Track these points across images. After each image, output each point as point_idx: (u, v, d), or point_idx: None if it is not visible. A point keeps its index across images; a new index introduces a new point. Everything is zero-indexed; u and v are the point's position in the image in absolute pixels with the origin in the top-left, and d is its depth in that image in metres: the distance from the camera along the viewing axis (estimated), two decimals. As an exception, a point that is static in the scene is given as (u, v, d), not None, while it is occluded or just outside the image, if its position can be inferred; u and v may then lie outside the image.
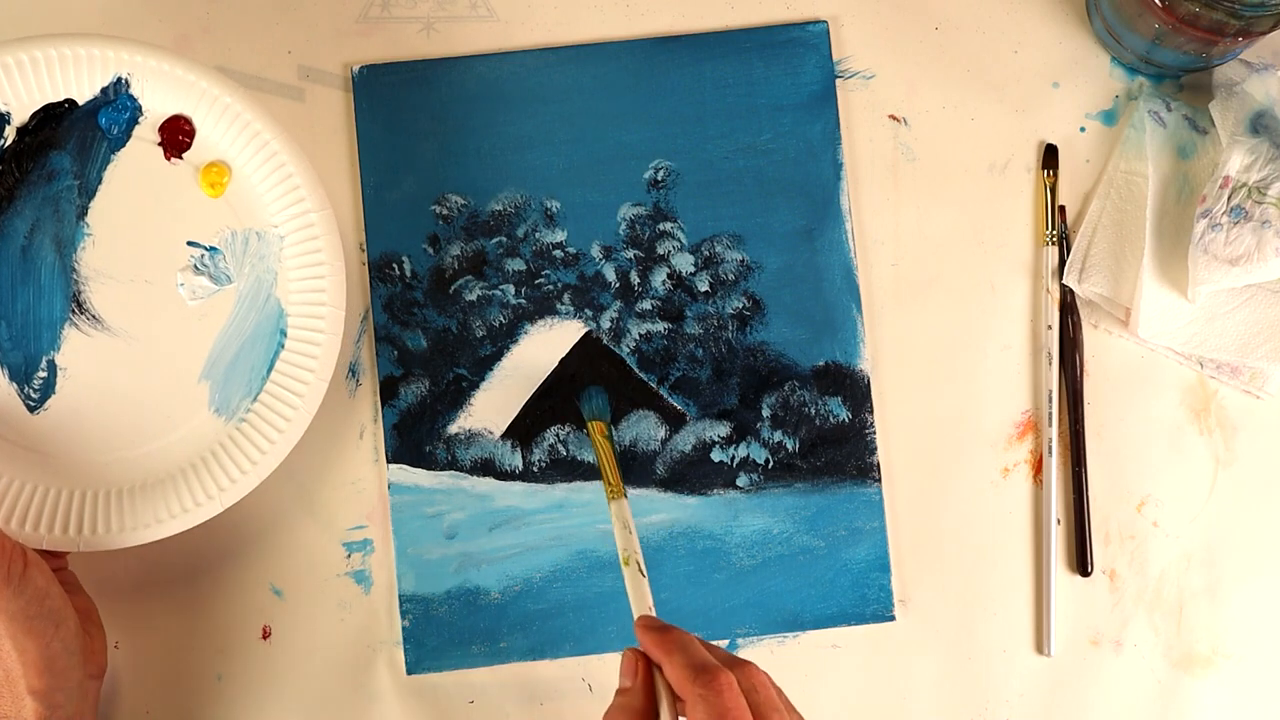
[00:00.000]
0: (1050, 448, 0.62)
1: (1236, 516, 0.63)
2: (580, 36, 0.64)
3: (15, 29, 0.62)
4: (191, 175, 0.60)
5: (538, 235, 0.63)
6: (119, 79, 0.59)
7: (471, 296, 0.63)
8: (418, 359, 0.62)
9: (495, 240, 0.63)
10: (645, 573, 0.53)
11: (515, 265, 0.63)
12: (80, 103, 0.59)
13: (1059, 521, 0.63)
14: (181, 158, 0.60)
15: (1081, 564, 0.62)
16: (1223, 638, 0.62)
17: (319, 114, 0.63)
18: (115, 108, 0.59)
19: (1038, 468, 0.63)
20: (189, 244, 0.60)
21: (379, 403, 0.62)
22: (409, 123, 0.63)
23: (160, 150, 0.60)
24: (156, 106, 0.59)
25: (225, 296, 0.60)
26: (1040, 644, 0.62)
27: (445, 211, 0.63)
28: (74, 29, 0.62)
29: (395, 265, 0.63)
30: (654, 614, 0.52)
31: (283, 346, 0.59)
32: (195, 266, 0.60)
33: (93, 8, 0.63)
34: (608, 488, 0.57)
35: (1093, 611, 0.62)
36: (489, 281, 0.63)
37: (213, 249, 0.60)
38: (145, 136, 0.60)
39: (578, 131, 0.63)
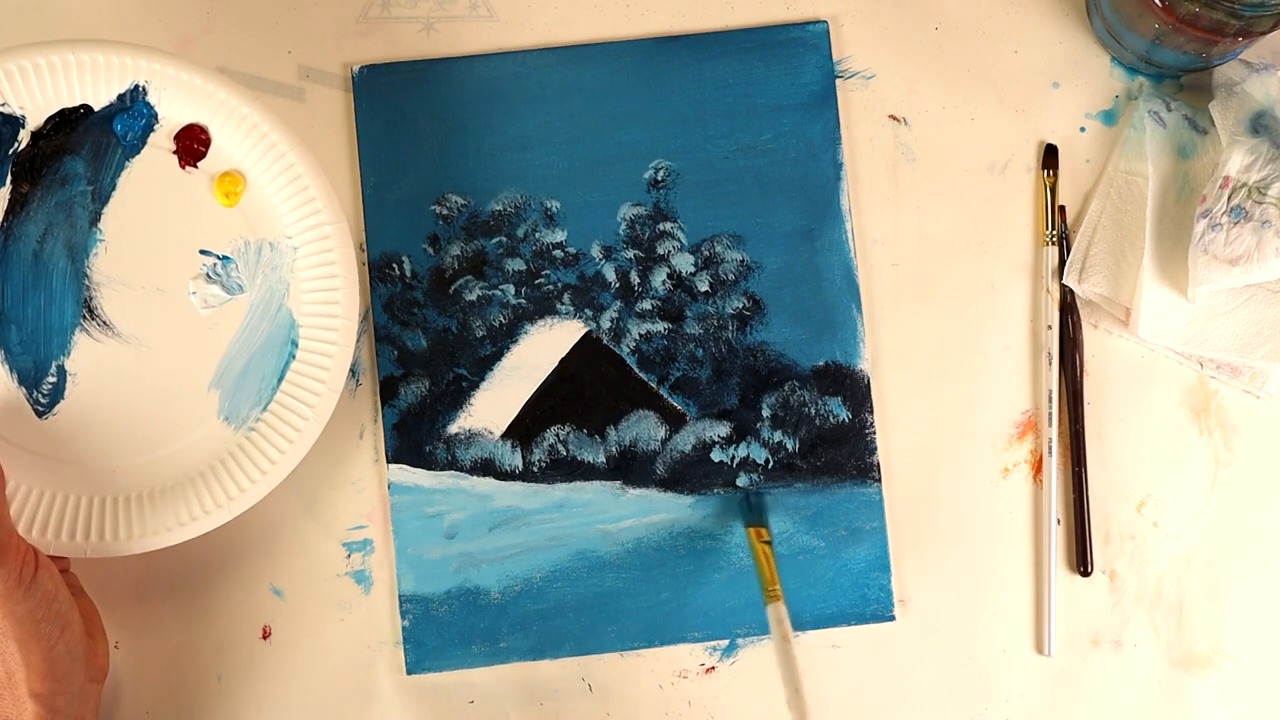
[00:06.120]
0: (1050, 448, 0.62)
1: (1236, 516, 0.63)
2: (580, 36, 0.64)
3: (13, 27, 0.62)
4: (206, 184, 0.60)
5: (538, 235, 0.63)
6: (136, 86, 0.59)
7: (471, 296, 0.63)
8: (418, 359, 0.62)
9: (495, 240, 0.63)
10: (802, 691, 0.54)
11: (515, 265, 0.63)
12: (96, 109, 0.59)
13: (1059, 521, 0.63)
14: (196, 166, 0.60)
15: (1081, 564, 0.62)
16: (1223, 638, 0.63)
17: (319, 114, 0.63)
18: (131, 114, 0.59)
19: (1038, 468, 0.63)
20: (202, 252, 0.60)
21: (379, 403, 0.62)
22: (409, 123, 0.63)
23: (175, 158, 0.60)
24: (173, 115, 0.59)
25: (237, 306, 0.60)
26: (1040, 644, 0.62)
27: (445, 211, 0.63)
28: (75, 30, 0.62)
29: (395, 265, 0.63)
30: None
31: (294, 357, 0.59)
32: (208, 275, 0.59)
33: (92, 8, 0.63)
34: (765, 591, 0.58)
35: (1093, 611, 0.62)
36: (489, 281, 0.63)
37: (225, 258, 0.60)
38: (160, 144, 0.60)
39: (578, 131, 0.63)
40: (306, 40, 0.64)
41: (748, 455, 0.62)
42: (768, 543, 0.60)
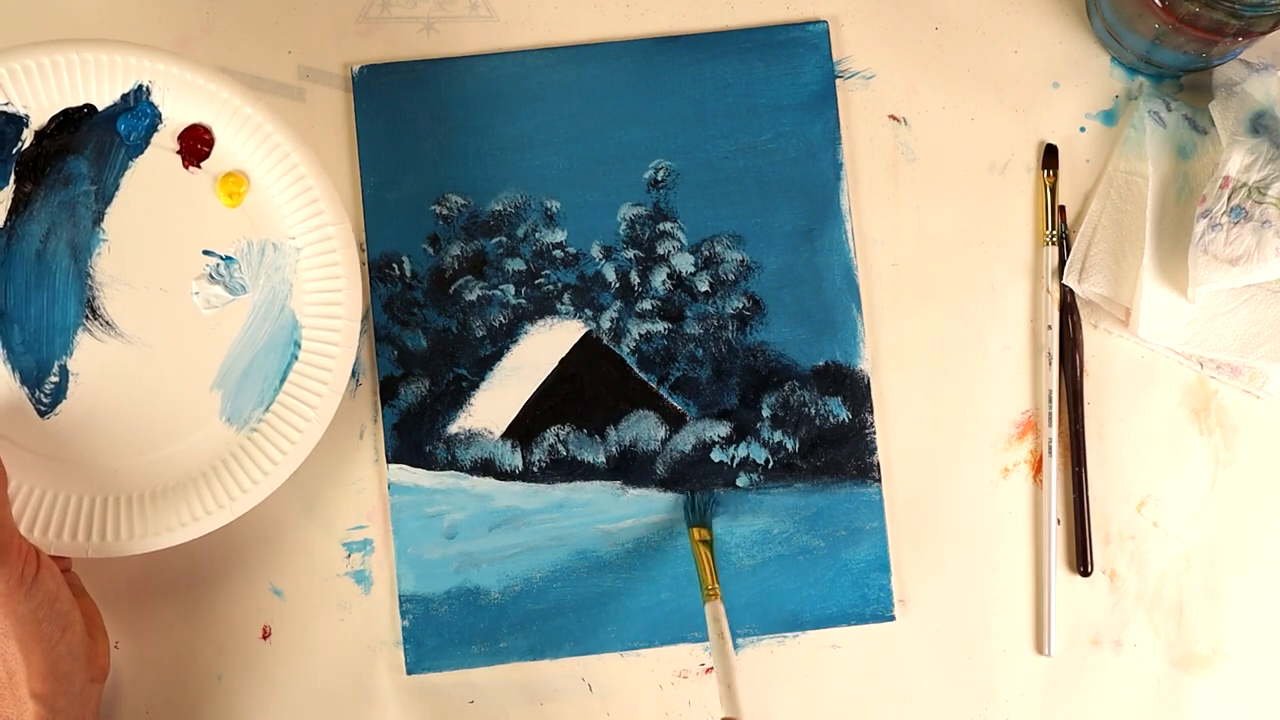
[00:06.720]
0: (1050, 448, 0.62)
1: (1236, 516, 0.63)
2: (580, 36, 0.64)
3: (13, 27, 0.62)
4: (209, 184, 0.60)
5: (538, 235, 0.63)
6: (140, 86, 0.59)
7: (471, 296, 0.63)
8: (418, 359, 0.62)
9: (495, 240, 0.63)
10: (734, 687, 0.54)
11: (515, 265, 0.63)
12: (100, 108, 0.59)
13: (1059, 521, 0.63)
14: (200, 167, 0.60)
15: (1081, 564, 0.62)
16: (1223, 638, 0.62)
17: (319, 114, 0.63)
18: (134, 114, 0.59)
19: (1038, 468, 0.63)
20: (205, 253, 0.60)
21: (379, 403, 0.62)
22: (409, 123, 0.63)
23: (179, 158, 0.60)
24: (176, 115, 0.59)
25: (240, 306, 0.60)
26: (1040, 644, 0.62)
27: (445, 211, 0.63)
28: (74, 30, 0.62)
29: (395, 265, 0.63)
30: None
31: (296, 358, 0.59)
32: (210, 275, 0.60)
33: (91, 8, 0.63)
34: (704, 591, 0.58)
35: (1093, 611, 0.62)
36: (489, 281, 0.63)
37: (228, 258, 0.60)
38: (164, 144, 0.60)
39: (578, 131, 0.63)
40: (306, 40, 0.64)
41: (748, 455, 0.62)
42: (707, 543, 0.60)
